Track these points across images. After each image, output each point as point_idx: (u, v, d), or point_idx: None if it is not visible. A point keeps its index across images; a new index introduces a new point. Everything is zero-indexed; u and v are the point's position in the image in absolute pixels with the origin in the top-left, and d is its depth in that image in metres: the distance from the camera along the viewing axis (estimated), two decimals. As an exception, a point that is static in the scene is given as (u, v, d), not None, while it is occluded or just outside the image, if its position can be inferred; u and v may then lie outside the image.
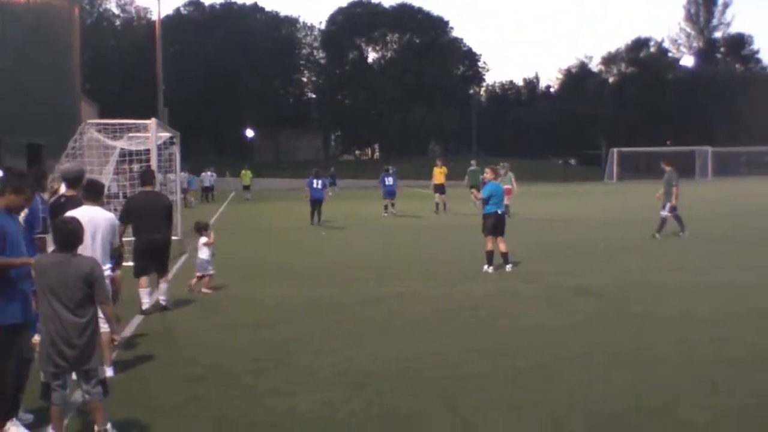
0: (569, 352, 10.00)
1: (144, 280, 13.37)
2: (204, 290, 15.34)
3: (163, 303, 13.61)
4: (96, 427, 6.97)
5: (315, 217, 32.50)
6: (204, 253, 15.56)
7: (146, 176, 14.25)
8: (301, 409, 7.83)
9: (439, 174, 38.78)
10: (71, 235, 6.99)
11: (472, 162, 43.50)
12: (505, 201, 36.03)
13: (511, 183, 33.25)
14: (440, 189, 38.54)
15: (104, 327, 7.70)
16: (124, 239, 12.61)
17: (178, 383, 8.86)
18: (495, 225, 17.35)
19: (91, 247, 8.51)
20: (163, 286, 13.64)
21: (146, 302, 13.33)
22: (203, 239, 15.69)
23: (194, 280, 15.51)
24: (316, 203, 32.80)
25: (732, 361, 9.41)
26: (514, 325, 11.75)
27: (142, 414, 7.72)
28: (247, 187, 59.14)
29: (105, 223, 8.88)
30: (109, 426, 7.00)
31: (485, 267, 17.25)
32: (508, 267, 17.34)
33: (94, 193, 9.29)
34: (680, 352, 9.94)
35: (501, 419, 7.47)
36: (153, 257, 13.48)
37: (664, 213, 23.93)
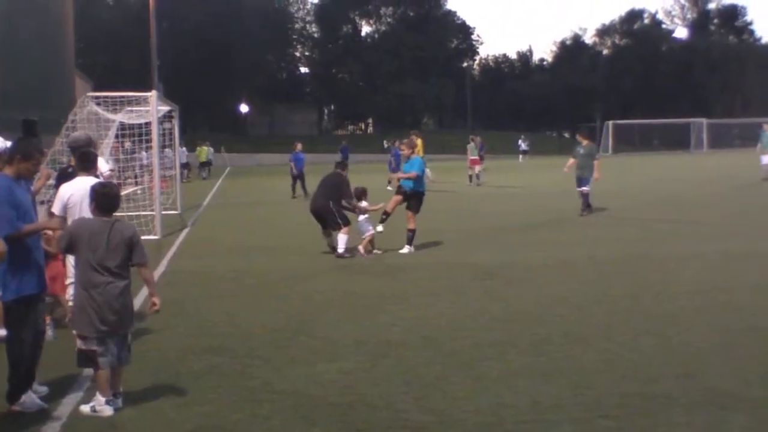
0: (591, 320, 9.89)
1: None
2: (375, 251, 16.21)
3: (341, 251, 15.78)
4: (112, 391, 6.98)
5: (298, 190, 32.38)
6: (362, 216, 16.25)
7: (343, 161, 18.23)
8: (322, 379, 7.68)
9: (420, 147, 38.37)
10: (114, 199, 7.17)
11: (413, 134, 44.11)
12: (477, 170, 38.58)
13: (477, 154, 38.82)
14: None
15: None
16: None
17: (195, 353, 8.70)
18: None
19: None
20: (340, 236, 15.91)
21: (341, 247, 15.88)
22: (364, 203, 16.44)
23: (364, 242, 16.07)
24: (295, 176, 32.90)
25: (753, 329, 9.28)
26: (530, 294, 11.62)
27: (162, 383, 7.59)
28: (204, 164, 54.28)
29: None
30: (122, 389, 7.09)
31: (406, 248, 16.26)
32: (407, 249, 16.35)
33: (87, 164, 9.16)
34: (702, 319, 9.82)
35: (526, 386, 7.32)
36: (319, 220, 16.48)
37: (587, 188, 22.61)
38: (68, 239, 6.96)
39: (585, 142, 23.38)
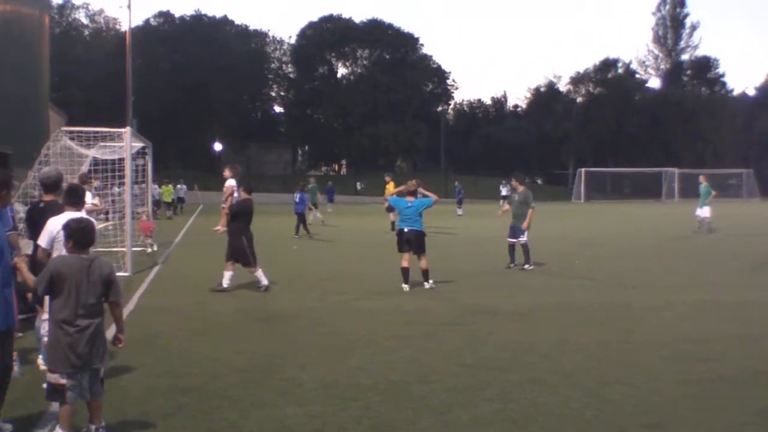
0: (560, 367, 9.88)
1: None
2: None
3: (266, 283, 16.83)
4: (93, 426, 6.98)
5: (300, 229, 32.34)
6: None
7: (247, 185, 18.39)
8: (290, 422, 7.63)
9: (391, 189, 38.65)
10: (90, 233, 7.07)
11: (311, 179, 45.47)
12: None
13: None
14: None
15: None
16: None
17: (162, 393, 8.60)
18: (408, 242, 16.85)
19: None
20: (261, 272, 16.98)
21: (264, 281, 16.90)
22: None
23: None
24: (297, 216, 33.04)
25: (721, 379, 9.32)
26: (500, 340, 11.59)
27: (128, 422, 7.51)
28: (168, 204, 52.12)
29: None
30: (104, 424, 7.05)
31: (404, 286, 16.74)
32: (427, 284, 16.92)
33: (75, 198, 9.11)
34: (671, 369, 9.84)
35: (496, 434, 7.32)
36: (247, 255, 17.03)
37: (524, 239, 20.62)
38: (49, 279, 6.82)
39: (520, 188, 21.31)
